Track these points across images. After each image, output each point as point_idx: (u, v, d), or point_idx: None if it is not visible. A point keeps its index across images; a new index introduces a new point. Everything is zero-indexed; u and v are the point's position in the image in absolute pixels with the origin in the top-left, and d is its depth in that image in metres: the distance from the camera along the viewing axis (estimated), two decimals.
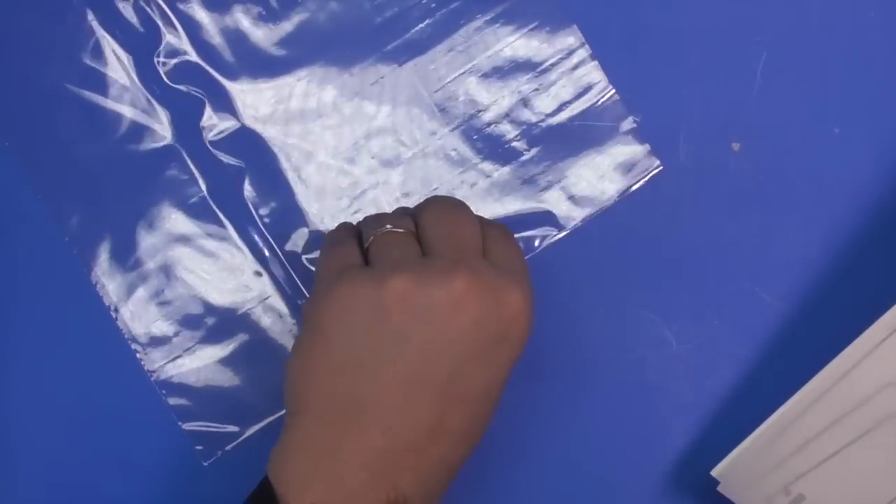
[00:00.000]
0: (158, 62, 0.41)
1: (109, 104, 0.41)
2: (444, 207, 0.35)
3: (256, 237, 0.41)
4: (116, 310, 0.40)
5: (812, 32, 0.41)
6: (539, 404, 0.40)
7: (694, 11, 0.41)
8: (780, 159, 0.41)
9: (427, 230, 0.34)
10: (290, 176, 0.41)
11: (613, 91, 0.41)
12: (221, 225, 0.41)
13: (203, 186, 0.41)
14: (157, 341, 0.40)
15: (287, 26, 0.41)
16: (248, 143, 0.41)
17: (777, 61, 0.41)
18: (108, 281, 0.40)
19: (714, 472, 0.37)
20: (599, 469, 0.40)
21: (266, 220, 0.41)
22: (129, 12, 0.41)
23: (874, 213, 0.40)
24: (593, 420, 0.40)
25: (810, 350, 0.40)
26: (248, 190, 0.41)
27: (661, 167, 0.41)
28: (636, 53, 0.41)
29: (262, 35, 0.41)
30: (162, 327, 0.40)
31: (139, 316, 0.40)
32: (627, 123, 0.41)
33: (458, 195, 0.41)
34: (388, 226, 0.34)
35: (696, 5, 0.41)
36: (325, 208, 0.41)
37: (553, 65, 0.41)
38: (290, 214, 0.41)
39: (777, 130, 0.41)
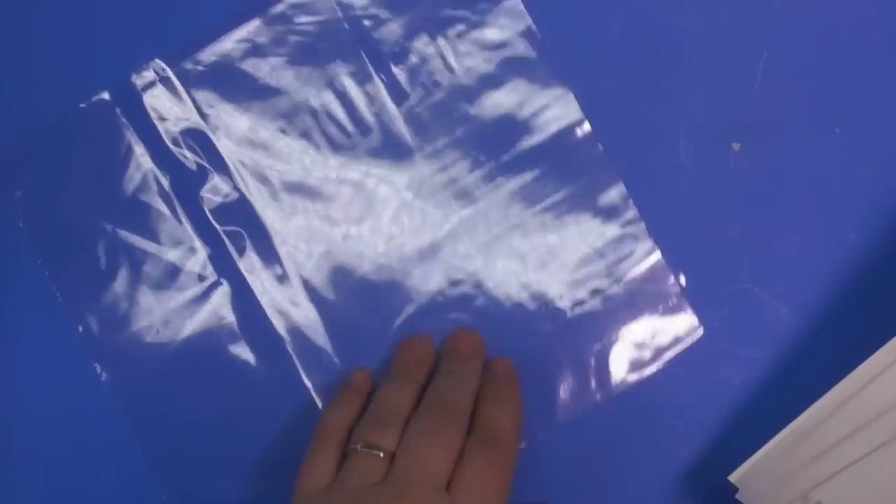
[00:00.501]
0: (203, 199, 0.41)
1: (152, 239, 0.42)
2: (425, 427, 0.36)
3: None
4: None
5: (813, 32, 0.40)
6: (538, 405, 0.40)
7: (694, 11, 0.41)
8: (781, 159, 0.41)
9: (401, 446, 0.35)
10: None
11: (659, 255, 0.41)
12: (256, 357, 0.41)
13: (237, 326, 0.41)
14: None
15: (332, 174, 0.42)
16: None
17: (778, 61, 0.40)
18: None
19: (732, 478, 0.37)
20: (609, 471, 0.41)
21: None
22: (178, 150, 0.41)
23: (875, 214, 0.40)
24: (599, 423, 0.41)
25: (810, 352, 0.40)
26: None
27: (703, 334, 0.40)
28: (636, 53, 0.41)
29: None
30: None
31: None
32: (674, 287, 0.40)
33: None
34: (361, 445, 0.35)
35: (697, 5, 0.41)
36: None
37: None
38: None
39: (778, 131, 0.41)
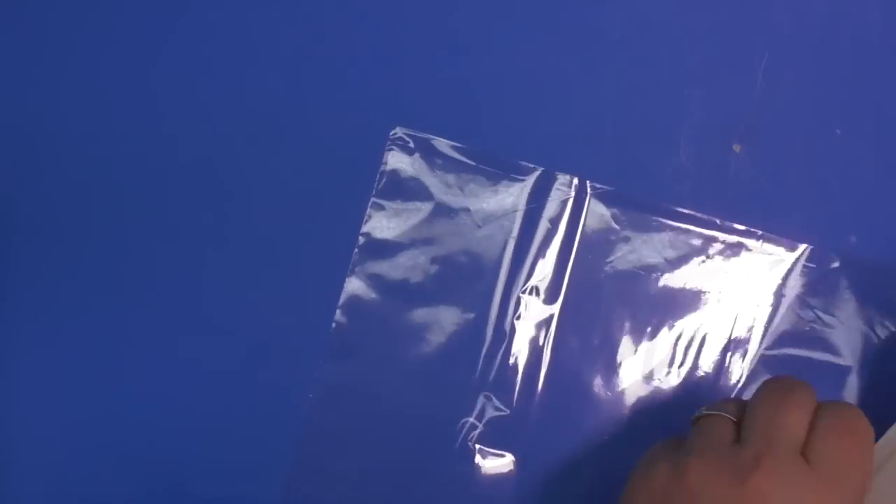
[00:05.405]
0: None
1: None
2: (773, 391, 0.33)
3: None
4: None
5: (814, 33, 0.40)
6: (536, 412, 0.40)
7: (695, 11, 0.41)
8: (781, 160, 0.41)
9: (747, 415, 0.33)
10: None
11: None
12: None
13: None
14: None
15: None
16: None
17: (779, 62, 0.40)
18: None
19: None
20: (606, 480, 0.40)
21: None
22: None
23: (875, 215, 0.40)
24: (595, 429, 0.41)
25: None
26: None
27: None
28: (637, 53, 0.41)
29: None
30: None
31: None
32: None
33: None
34: (705, 409, 0.34)
35: (698, 5, 0.41)
36: None
37: None
38: None
39: (778, 131, 0.41)
